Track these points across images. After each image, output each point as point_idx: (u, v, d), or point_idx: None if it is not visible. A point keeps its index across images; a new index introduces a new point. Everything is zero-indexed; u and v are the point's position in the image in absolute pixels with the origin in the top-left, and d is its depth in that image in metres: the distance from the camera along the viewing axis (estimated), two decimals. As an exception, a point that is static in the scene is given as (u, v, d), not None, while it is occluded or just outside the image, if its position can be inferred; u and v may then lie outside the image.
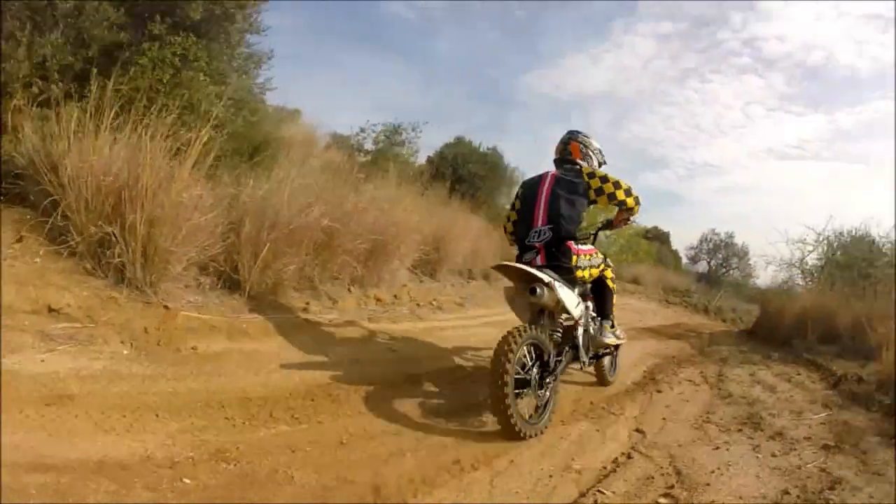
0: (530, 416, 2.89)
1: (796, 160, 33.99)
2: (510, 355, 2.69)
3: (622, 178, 3.48)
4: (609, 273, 3.78)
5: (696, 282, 19.72)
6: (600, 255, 3.66)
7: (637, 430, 3.29)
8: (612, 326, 3.82)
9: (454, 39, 36.74)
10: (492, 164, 13.35)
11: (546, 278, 3.05)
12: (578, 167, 3.56)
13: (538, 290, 3.02)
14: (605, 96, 38.37)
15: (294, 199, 4.36)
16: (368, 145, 11.36)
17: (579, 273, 3.35)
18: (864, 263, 9.31)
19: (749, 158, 35.97)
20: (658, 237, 24.48)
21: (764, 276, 14.30)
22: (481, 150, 13.59)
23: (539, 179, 3.53)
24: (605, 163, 3.79)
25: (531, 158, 34.37)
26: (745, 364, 6.18)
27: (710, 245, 23.22)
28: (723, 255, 23.07)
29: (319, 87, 30.13)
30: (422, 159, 14.05)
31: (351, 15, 31.62)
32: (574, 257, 3.30)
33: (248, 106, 5.72)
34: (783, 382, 5.28)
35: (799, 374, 5.71)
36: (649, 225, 23.24)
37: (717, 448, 3.11)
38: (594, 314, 3.69)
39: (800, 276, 10.55)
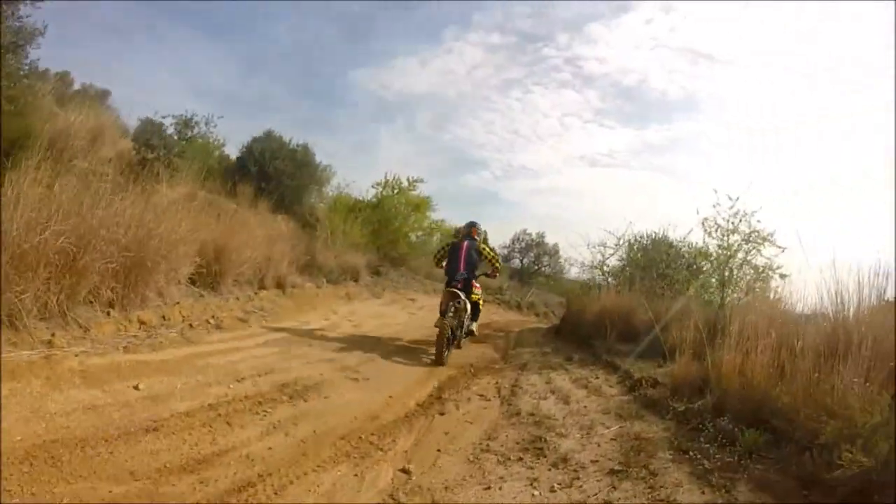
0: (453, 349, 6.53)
1: (606, 168, 38.31)
2: (446, 330, 6.21)
3: (496, 250, 8.07)
4: (482, 301, 7.56)
5: (509, 279, 20.72)
6: (481, 290, 7.51)
7: (403, 470, 3.18)
8: (476, 323, 7.38)
9: (285, 27, 35.11)
10: (301, 162, 13.12)
11: (463, 297, 6.66)
12: (477, 241, 7.26)
13: (460, 301, 6.60)
14: (429, 98, 39.70)
15: (29, 212, 3.95)
16: (173, 138, 10.61)
17: (473, 297, 7.04)
18: (663, 265, 9.80)
19: (563, 164, 39.69)
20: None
21: (571, 274, 14.89)
22: (291, 145, 13.28)
23: (459, 244, 7.07)
24: (486, 236, 8.29)
25: (356, 157, 34.15)
26: (544, 369, 6.29)
27: (523, 244, 24.90)
28: (534, 253, 24.88)
29: (139, 64, 26.99)
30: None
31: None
32: (474, 289, 7.06)
33: (5, 93, 5.08)
34: (579, 389, 5.32)
35: (597, 378, 5.81)
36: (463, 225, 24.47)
37: (489, 487, 3.01)
38: (471, 314, 7.11)
39: (601, 276, 10.99)
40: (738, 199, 8.46)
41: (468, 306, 6.82)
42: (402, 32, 36.89)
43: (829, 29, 29.15)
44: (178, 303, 5.67)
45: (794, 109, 32.89)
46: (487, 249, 7.24)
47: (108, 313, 4.79)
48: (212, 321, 5.82)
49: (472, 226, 7.38)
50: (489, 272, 7.33)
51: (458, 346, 6.92)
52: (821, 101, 31.63)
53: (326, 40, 35.82)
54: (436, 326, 6.27)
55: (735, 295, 8.07)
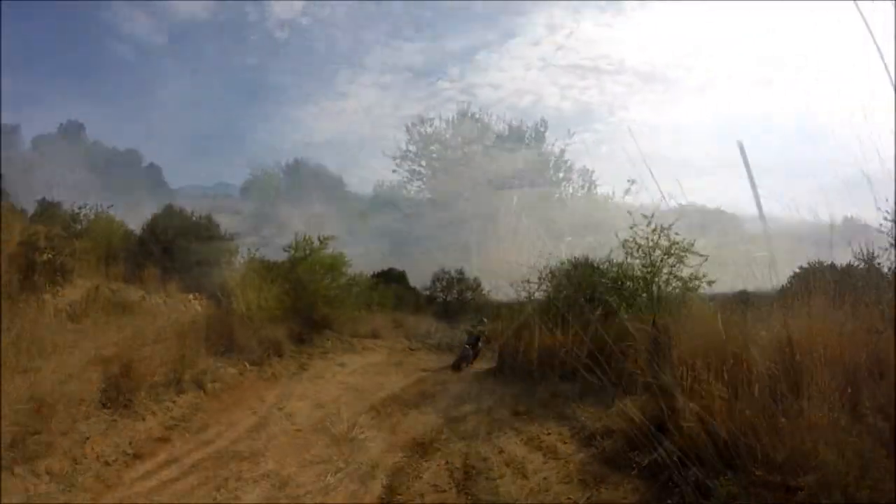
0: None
1: (513, 189, 39.93)
2: (463, 355, 12.24)
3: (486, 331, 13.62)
4: (480, 350, 13.01)
5: (437, 320, 20.19)
6: (481, 344, 13.15)
7: None
8: (474, 360, 12.49)
9: (179, 88, 34.23)
10: (205, 236, 12.69)
11: (470, 350, 12.46)
12: (481, 327, 13.67)
13: (468, 349, 12.47)
14: (331, 145, 39.77)
15: None
16: (62, 237, 9.92)
17: (476, 349, 12.76)
18: (589, 290, 9.77)
19: (471, 191, 40.90)
20: (395, 278, 25.42)
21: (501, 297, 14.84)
22: (194, 219, 12.82)
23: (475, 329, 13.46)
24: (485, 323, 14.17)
25: (267, 214, 33.58)
26: (493, 433, 6.10)
27: (443, 283, 25.03)
28: (457, 290, 25.01)
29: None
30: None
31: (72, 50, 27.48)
32: (477, 344, 12.95)
33: None
34: (534, 453, 5.21)
35: (549, 434, 5.68)
36: (385, 267, 23.93)
37: None
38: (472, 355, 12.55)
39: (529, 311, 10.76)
40: (653, 215, 8.86)
41: (471, 353, 12.46)
42: (295, 82, 36.91)
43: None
44: (88, 438, 5.18)
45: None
46: (483, 331, 13.49)
47: (13, 471, 4.34)
48: (129, 450, 5.36)
49: (481, 321, 14.20)
50: (483, 338, 13.22)
51: (470, 364, 12.26)
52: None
53: (223, 100, 35.25)
54: (460, 353, 12.46)
55: (667, 311, 8.01)
